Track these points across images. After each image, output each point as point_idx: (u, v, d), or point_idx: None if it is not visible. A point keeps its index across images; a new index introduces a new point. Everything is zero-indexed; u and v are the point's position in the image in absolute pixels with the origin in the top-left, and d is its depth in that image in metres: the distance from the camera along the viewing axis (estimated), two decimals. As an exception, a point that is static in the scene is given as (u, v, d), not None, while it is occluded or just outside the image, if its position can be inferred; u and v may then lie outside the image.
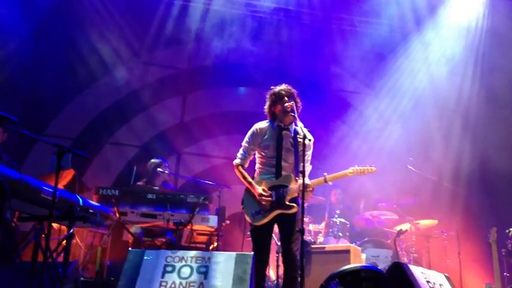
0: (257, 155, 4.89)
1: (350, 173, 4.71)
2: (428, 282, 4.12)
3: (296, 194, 4.61)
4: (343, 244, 6.69)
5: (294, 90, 4.87)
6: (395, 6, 8.87)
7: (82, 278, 5.40)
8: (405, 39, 9.19)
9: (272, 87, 4.92)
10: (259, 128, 4.87)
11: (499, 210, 7.60)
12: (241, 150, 4.90)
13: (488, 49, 8.60)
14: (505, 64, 8.18)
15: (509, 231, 5.92)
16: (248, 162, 4.89)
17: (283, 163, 4.75)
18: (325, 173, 4.70)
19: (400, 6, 8.86)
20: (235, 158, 4.89)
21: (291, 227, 4.60)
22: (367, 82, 9.41)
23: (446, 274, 4.61)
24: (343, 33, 9.32)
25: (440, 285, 4.31)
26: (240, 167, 4.84)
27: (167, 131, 8.70)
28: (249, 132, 4.91)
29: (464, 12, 8.94)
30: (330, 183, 4.69)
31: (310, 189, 4.63)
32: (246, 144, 4.89)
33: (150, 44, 8.79)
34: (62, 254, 4.29)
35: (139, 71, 8.73)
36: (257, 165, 4.88)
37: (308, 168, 4.78)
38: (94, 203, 5.26)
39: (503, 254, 6.50)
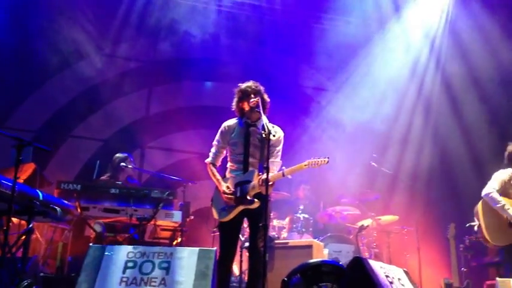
0: (227, 153, 4.95)
1: (305, 165, 4.73)
2: (387, 276, 4.20)
3: (258, 189, 4.64)
4: (306, 239, 6.77)
5: (261, 87, 4.89)
6: (362, 4, 8.97)
7: (42, 274, 5.32)
8: (370, 37, 9.31)
9: (239, 84, 4.93)
10: (228, 126, 4.93)
11: (457, 207, 7.79)
12: (212, 149, 4.96)
13: (450, 47, 8.77)
14: (465, 62, 8.38)
15: (470, 225, 6.07)
16: (220, 160, 4.95)
17: (250, 159, 4.79)
18: (284, 167, 4.76)
19: (366, 4, 8.96)
20: (207, 156, 4.95)
21: (256, 222, 4.63)
22: (333, 78, 9.49)
23: (405, 269, 4.71)
24: (311, 30, 9.37)
25: (399, 279, 4.40)
26: (210, 165, 4.90)
27: (131, 125, 8.60)
28: (219, 131, 4.96)
29: (428, 12, 9.11)
30: (289, 176, 4.73)
31: (270, 183, 4.65)
32: (216, 143, 4.94)
33: (115, 36, 8.66)
34: (21, 249, 4.22)
35: (104, 64, 8.58)
36: (228, 163, 4.94)
37: (278, 163, 4.87)
38: (55, 197, 5.18)
39: (461, 249, 6.69)
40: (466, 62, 8.37)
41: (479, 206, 5.78)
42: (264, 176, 4.20)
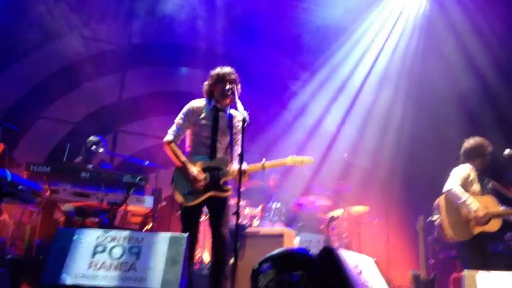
0: (189, 134, 4.78)
1: (288, 161, 4.77)
2: (356, 266, 4.25)
3: (231, 177, 4.62)
4: (277, 228, 6.80)
5: (236, 75, 4.85)
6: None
7: (9, 256, 5.23)
8: (348, 30, 9.36)
9: (218, 67, 4.88)
10: (196, 106, 4.77)
11: (427, 199, 7.91)
12: (174, 127, 4.74)
13: (426, 43, 8.86)
14: (436, 65, 8.48)
15: (431, 220, 6.17)
16: (179, 140, 4.75)
17: (217, 144, 4.72)
18: (264, 159, 4.72)
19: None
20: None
21: (222, 209, 4.63)
22: (310, 70, 9.51)
23: (374, 258, 4.76)
24: (290, 21, 9.36)
25: (368, 269, 4.45)
26: (172, 144, 4.66)
27: (105, 108, 8.48)
28: (185, 109, 4.78)
29: (403, 6, 9.21)
30: (267, 170, 4.73)
31: (247, 173, 4.64)
32: (181, 121, 4.73)
33: (90, 18, 8.49)
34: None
35: (78, 45, 8.38)
36: (189, 144, 4.78)
37: (238, 151, 4.80)
38: (24, 179, 5.07)
39: (429, 241, 6.80)
40: (438, 52, 8.47)
41: (441, 202, 5.81)
42: (242, 165, 4.09)
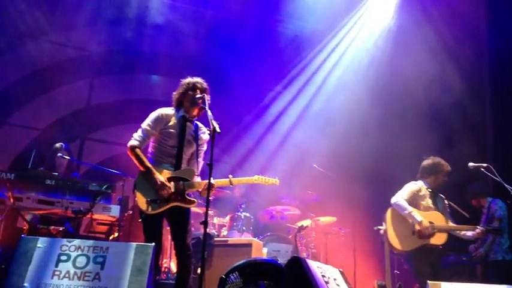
0: (153, 141, 4.74)
1: (255, 180, 4.87)
2: (323, 276, 4.28)
3: (196, 189, 4.61)
4: (245, 238, 6.79)
5: (207, 86, 4.85)
6: (312, 10, 9.11)
7: (-31, 265, 5.07)
8: (320, 42, 9.48)
9: (188, 77, 4.88)
10: (165, 114, 4.74)
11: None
12: (139, 132, 4.70)
13: (392, 58, 9.02)
14: (403, 71, 8.65)
15: (378, 228, 6.36)
16: (144, 146, 4.69)
17: (183, 155, 4.70)
18: (231, 176, 4.77)
19: (317, 11, 9.11)
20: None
21: (185, 219, 4.62)
22: (283, 82, 9.58)
23: (340, 269, 4.81)
24: (264, 32, 9.43)
25: (335, 279, 4.49)
26: (137, 149, 4.61)
27: (72, 115, 8.33)
28: (153, 116, 4.73)
29: (372, 19, 9.38)
30: (233, 185, 4.79)
31: (214, 187, 4.66)
32: (148, 128, 4.68)
33: (58, 23, 8.36)
34: None
35: (46, 50, 8.24)
36: (151, 152, 4.73)
37: (201, 163, 4.84)
38: (-14, 186, 4.95)
39: (395, 252, 6.90)
40: (407, 62, 8.64)
41: (388, 213, 6.16)
42: (210, 177, 4.12)
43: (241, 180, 4.81)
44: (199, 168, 4.80)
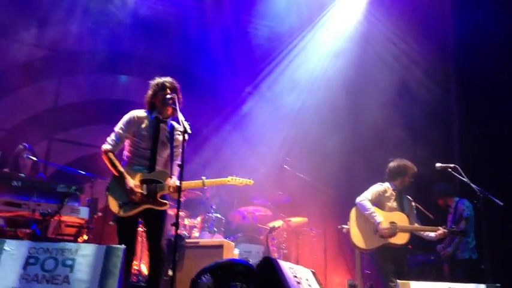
0: (128, 144, 4.70)
1: (228, 181, 4.90)
2: (295, 276, 4.30)
3: (168, 192, 4.58)
4: (217, 239, 6.77)
5: (177, 85, 4.82)
6: (284, 11, 9.14)
7: None
8: (290, 43, 9.52)
9: (156, 77, 4.83)
10: (137, 116, 4.71)
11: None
12: (113, 136, 4.67)
13: (361, 61, 9.12)
14: (374, 73, 8.76)
15: (342, 227, 6.49)
16: (118, 150, 4.67)
17: (157, 157, 4.66)
18: (204, 177, 4.75)
19: (288, 12, 9.14)
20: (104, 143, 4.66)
21: (160, 221, 4.57)
22: (251, 81, 9.57)
23: (312, 270, 4.83)
24: (235, 33, 9.41)
25: (306, 280, 4.51)
26: (110, 153, 4.59)
27: (39, 115, 8.14)
28: (125, 119, 4.71)
29: (342, 20, 9.47)
30: (206, 187, 4.78)
31: (184, 190, 4.63)
32: (120, 131, 4.66)
33: (26, 22, 8.16)
34: None
35: (10, 50, 8.04)
36: (126, 155, 4.69)
37: (178, 163, 4.79)
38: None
39: (366, 253, 6.99)
40: (373, 70, 8.76)
41: (352, 212, 6.32)
42: (176, 181, 4.09)
43: (214, 182, 4.81)
44: (175, 170, 4.73)
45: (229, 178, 4.90)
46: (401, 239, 6.05)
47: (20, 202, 5.29)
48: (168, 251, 4.63)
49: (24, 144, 6.48)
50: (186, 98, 4.90)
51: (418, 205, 6.58)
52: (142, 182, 4.53)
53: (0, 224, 5.67)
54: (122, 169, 4.53)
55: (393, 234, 6.02)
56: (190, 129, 4.14)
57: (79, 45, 8.46)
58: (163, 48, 9.02)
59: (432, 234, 6.19)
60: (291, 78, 9.45)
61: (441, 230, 6.10)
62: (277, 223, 7.64)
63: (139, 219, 4.68)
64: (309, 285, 4.49)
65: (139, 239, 6.17)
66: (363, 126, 8.70)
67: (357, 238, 6.17)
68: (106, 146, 4.62)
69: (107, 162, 4.59)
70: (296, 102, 9.36)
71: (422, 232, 6.27)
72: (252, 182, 4.98)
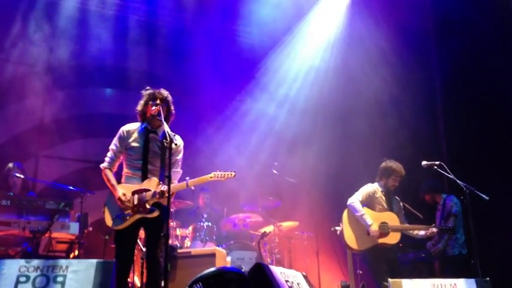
0: (123, 159, 4.81)
1: (211, 177, 4.82)
2: (287, 281, 4.32)
3: (157, 199, 4.59)
4: (208, 248, 6.78)
5: (169, 97, 4.87)
6: (269, 18, 9.20)
7: None
8: (276, 46, 9.57)
9: (148, 88, 4.88)
10: (126, 131, 4.81)
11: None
12: (108, 154, 4.81)
13: (347, 60, 9.19)
14: (360, 75, 8.83)
15: (334, 229, 6.57)
16: (116, 166, 4.81)
17: (149, 166, 4.71)
18: (188, 178, 4.76)
19: (269, 16, 9.20)
20: (103, 162, 4.80)
21: (156, 231, 4.58)
22: (238, 89, 9.60)
23: (303, 273, 4.86)
24: (224, 42, 9.45)
25: (298, 283, 4.54)
26: (106, 171, 4.74)
27: (25, 132, 8.09)
28: (117, 135, 4.83)
29: (326, 24, 9.54)
30: (192, 187, 4.78)
31: (171, 193, 4.65)
32: (114, 147, 4.80)
33: (8, 39, 8.14)
34: None
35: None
36: (124, 170, 4.80)
37: (178, 172, 4.84)
38: None
39: (351, 251, 7.04)
40: (359, 72, 8.82)
41: (344, 214, 6.42)
42: (165, 187, 4.15)
43: (198, 180, 4.77)
44: (177, 178, 4.81)
45: (212, 174, 4.82)
46: (393, 238, 6.16)
47: (9, 221, 5.30)
48: (162, 263, 4.62)
49: (13, 162, 6.46)
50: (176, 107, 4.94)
51: (406, 205, 6.68)
52: (134, 192, 4.61)
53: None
54: (114, 183, 4.66)
55: (385, 235, 6.13)
56: (182, 139, 4.18)
57: (62, 61, 8.43)
58: (148, 59, 9.03)
59: (422, 232, 6.31)
60: (277, 81, 9.50)
61: (432, 229, 6.24)
62: (269, 228, 7.66)
63: (139, 231, 4.76)
64: (301, 289, 4.52)
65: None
66: (351, 127, 8.75)
67: (350, 239, 6.26)
68: (103, 164, 4.79)
69: (105, 179, 4.74)
70: (283, 105, 9.41)
71: (412, 231, 6.38)
72: (234, 173, 4.88)
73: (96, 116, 8.55)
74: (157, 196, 4.55)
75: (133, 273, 6.67)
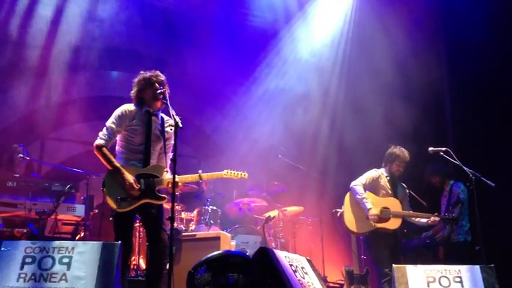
0: (120, 139, 4.67)
1: (224, 175, 4.94)
2: (291, 265, 4.34)
3: (165, 186, 4.59)
4: (213, 231, 6.79)
5: (164, 78, 4.79)
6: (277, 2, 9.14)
7: None
8: (277, 32, 9.49)
9: (142, 72, 4.81)
10: (129, 110, 4.66)
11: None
12: (105, 131, 4.60)
13: (354, 48, 9.12)
14: (367, 63, 8.76)
15: (336, 211, 6.61)
16: (111, 144, 4.61)
17: (151, 150, 4.66)
18: (200, 171, 4.78)
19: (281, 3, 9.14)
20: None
21: (158, 214, 4.59)
22: (243, 73, 9.56)
23: (308, 258, 4.88)
24: (226, 25, 9.36)
25: (302, 268, 4.56)
26: (104, 149, 4.51)
27: (31, 114, 8.12)
28: (117, 113, 4.65)
29: (333, 10, 9.43)
30: (203, 180, 4.83)
31: (181, 184, 4.69)
32: (113, 126, 4.59)
33: (14, 22, 8.11)
34: None
35: (1, 50, 8.02)
36: (119, 150, 4.66)
37: (170, 156, 4.78)
38: None
39: (361, 238, 7.06)
40: (367, 61, 8.75)
41: (346, 196, 6.45)
42: (176, 177, 4.12)
43: (211, 175, 4.84)
44: (168, 163, 4.70)
45: (225, 172, 4.95)
46: (393, 224, 6.17)
47: (15, 202, 5.33)
48: (167, 244, 4.63)
49: (17, 144, 6.47)
50: (179, 91, 4.90)
51: (412, 192, 6.67)
52: (138, 176, 4.53)
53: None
54: (117, 164, 4.48)
55: (385, 220, 6.14)
56: (182, 122, 4.14)
57: (67, 43, 8.40)
58: (154, 43, 8.99)
59: (424, 220, 6.30)
60: (282, 66, 9.45)
61: (434, 218, 6.23)
62: (273, 213, 7.68)
63: (136, 215, 4.70)
64: (305, 273, 4.54)
65: (136, 234, 6.22)
66: (357, 112, 8.71)
67: (350, 222, 6.30)
68: (99, 141, 4.55)
69: (101, 158, 4.52)
70: (290, 91, 9.36)
71: (414, 218, 6.38)
72: (247, 175, 5.04)
73: (102, 98, 8.55)
74: (170, 185, 4.50)
75: (138, 255, 6.73)
